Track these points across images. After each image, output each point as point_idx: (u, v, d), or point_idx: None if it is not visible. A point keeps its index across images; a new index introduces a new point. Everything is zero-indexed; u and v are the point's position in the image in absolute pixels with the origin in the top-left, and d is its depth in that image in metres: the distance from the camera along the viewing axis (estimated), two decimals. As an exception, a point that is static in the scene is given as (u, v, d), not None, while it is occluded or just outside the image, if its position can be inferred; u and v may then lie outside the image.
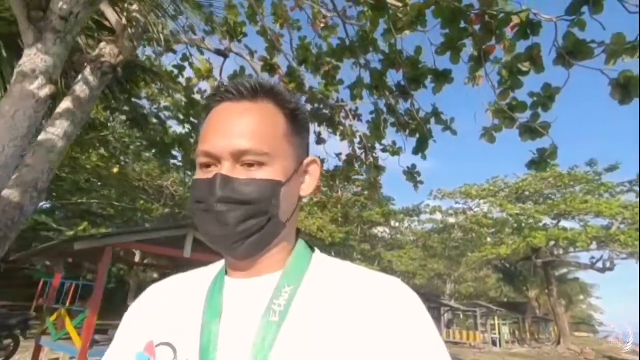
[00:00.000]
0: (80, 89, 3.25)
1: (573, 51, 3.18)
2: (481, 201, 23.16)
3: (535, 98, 3.55)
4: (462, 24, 3.70)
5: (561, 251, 21.69)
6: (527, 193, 21.46)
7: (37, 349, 6.04)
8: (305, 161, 0.62)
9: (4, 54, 3.35)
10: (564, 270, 30.17)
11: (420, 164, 5.36)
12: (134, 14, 3.68)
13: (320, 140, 6.62)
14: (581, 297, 46.25)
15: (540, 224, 19.66)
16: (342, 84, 5.41)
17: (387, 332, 0.50)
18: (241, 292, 0.57)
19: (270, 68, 5.02)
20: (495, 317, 20.84)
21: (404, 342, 0.50)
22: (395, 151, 5.54)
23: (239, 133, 0.54)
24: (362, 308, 0.52)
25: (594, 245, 18.65)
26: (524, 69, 3.55)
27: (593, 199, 18.20)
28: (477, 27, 3.65)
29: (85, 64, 3.37)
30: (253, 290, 0.56)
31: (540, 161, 3.64)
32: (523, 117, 3.70)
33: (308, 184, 0.62)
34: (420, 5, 3.88)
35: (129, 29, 3.67)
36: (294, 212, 0.60)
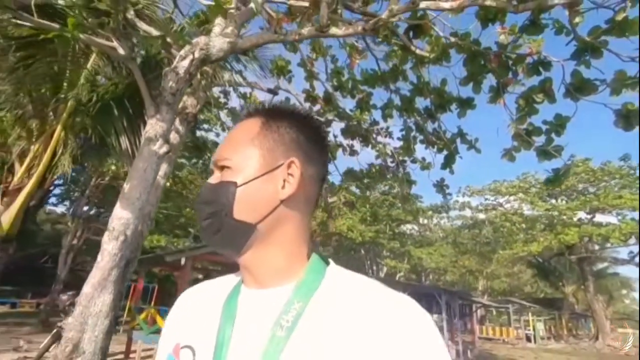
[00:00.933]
0: (173, 136, 4.13)
1: (580, 87, 3.70)
2: (511, 198, 23.02)
3: (548, 126, 4.08)
4: (482, 62, 4.29)
5: (597, 247, 21.24)
6: (558, 189, 21.15)
7: (129, 342, 7.07)
8: (285, 163, 0.61)
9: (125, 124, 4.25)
10: (603, 265, 29.30)
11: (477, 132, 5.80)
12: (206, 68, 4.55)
13: (352, 152, 7.32)
14: (624, 292, 44.37)
15: (574, 220, 19.37)
16: (375, 109, 6.07)
17: (395, 354, 0.50)
18: (254, 302, 0.59)
19: (313, 100, 5.77)
20: (529, 313, 20.75)
21: None
22: (425, 166, 6.15)
23: (224, 143, 0.66)
24: (371, 327, 0.52)
25: (633, 240, 18.22)
26: (538, 100, 4.09)
27: (628, 193, 17.76)
28: (495, 65, 4.22)
29: (175, 116, 4.24)
30: (265, 302, 0.58)
31: (555, 179, 4.17)
32: (539, 141, 4.24)
33: (289, 186, 0.60)
34: (445, 45, 4.49)
35: (202, 82, 4.55)
36: (269, 215, 0.59)
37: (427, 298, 12.36)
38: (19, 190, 3.73)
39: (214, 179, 0.62)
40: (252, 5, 3.49)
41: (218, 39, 3.40)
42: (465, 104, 4.86)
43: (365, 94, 5.84)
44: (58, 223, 24.94)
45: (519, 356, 13.78)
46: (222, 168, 0.61)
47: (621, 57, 3.27)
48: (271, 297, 0.58)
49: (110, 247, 2.94)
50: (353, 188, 7.68)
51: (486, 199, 25.32)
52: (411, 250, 31.17)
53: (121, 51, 2.98)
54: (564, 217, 18.80)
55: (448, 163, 5.55)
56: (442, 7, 3.12)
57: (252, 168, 0.60)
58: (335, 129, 11.68)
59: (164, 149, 3.36)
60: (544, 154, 4.11)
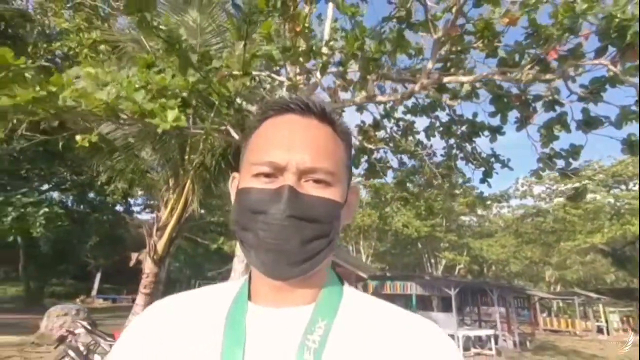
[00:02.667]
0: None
1: (588, 123, 4.44)
2: (575, 185, 21.97)
3: (565, 153, 4.86)
4: (505, 100, 5.15)
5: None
6: (625, 177, 19.83)
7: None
8: (351, 190, 0.60)
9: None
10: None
11: (509, 150, 6.67)
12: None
13: (402, 164, 8.36)
14: None
15: (646, 207, 18.19)
16: (417, 133, 7.08)
17: None
18: (269, 323, 0.53)
19: (364, 132, 6.93)
20: (601, 305, 19.93)
21: None
22: (466, 180, 7.04)
23: (309, 149, 0.53)
24: (398, 351, 0.50)
25: None
26: (556, 130, 4.86)
27: None
28: (517, 103, 5.06)
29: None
30: (283, 322, 0.52)
31: (576, 196, 4.94)
32: (560, 163, 5.01)
33: (349, 212, 0.60)
34: (473, 87, 5.41)
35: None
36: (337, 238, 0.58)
37: (479, 292, 12.82)
38: (165, 226, 5.51)
39: (310, 190, 0.52)
40: (314, 80, 4.80)
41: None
42: (495, 131, 5.70)
43: (408, 123, 6.88)
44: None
45: (582, 347, 13.71)
46: (317, 181, 0.52)
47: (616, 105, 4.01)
48: (290, 316, 0.53)
49: (239, 268, 4.43)
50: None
51: (547, 187, 24.42)
52: (470, 242, 30.92)
53: (236, 136, 4.39)
54: (629, 206, 17.72)
55: (485, 179, 6.41)
56: (460, 81, 4.11)
57: (345, 190, 0.57)
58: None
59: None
60: (565, 175, 4.88)
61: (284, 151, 0.52)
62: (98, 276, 32.37)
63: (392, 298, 14.59)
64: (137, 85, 3.18)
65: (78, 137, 3.31)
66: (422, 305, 12.47)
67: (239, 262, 4.65)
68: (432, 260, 32.68)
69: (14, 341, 9.40)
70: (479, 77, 3.92)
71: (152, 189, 6.16)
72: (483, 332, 10.33)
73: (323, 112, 0.57)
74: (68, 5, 9.82)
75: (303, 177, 0.52)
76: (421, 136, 7.50)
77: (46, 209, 9.08)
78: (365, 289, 14.53)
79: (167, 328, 0.55)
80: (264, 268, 0.52)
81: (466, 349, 9.28)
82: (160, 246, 5.81)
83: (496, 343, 9.70)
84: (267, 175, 0.52)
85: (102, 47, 7.62)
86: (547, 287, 30.65)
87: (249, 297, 0.57)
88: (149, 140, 5.48)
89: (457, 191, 7.02)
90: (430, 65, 4.07)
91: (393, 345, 0.51)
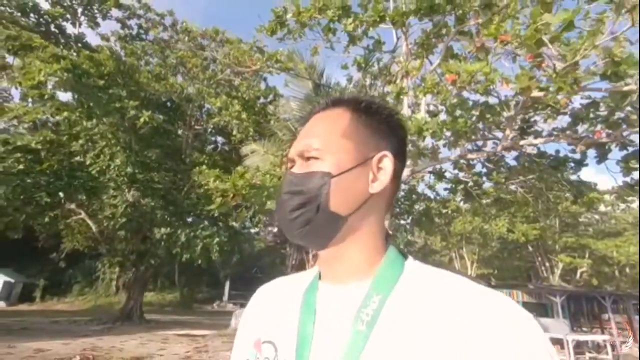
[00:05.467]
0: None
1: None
2: None
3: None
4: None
5: None
6: None
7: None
8: (376, 156, 0.60)
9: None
10: None
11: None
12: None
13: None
14: None
15: None
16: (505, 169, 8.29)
17: (490, 353, 0.45)
18: (333, 297, 0.59)
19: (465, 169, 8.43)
20: None
21: None
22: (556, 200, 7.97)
23: (303, 137, 0.63)
24: (461, 324, 0.48)
25: None
26: (633, 165, 5.79)
27: None
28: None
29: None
30: (344, 297, 0.57)
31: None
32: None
33: (380, 181, 0.60)
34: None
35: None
36: (360, 208, 0.58)
37: (593, 299, 12.43)
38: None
39: (300, 169, 0.60)
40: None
41: (405, 171, 6.62)
42: (579, 163, 6.69)
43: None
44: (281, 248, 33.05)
45: None
46: (308, 159, 0.59)
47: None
48: (351, 292, 0.57)
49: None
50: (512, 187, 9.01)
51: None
52: (591, 243, 28.20)
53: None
54: None
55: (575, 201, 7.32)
56: (533, 144, 5.46)
57: (345, 160, 0.58)
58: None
59: (390, 232, 6.82)
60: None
61: (292, 146, 0.63)
62: (227, 284, 38.04)
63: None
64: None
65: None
66: (529, 311, 12.70)
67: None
68: (547, 264, 30.64)
69: (207, 334, 12.72)
70: (548, 140, 5.25)
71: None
72: (596, 338, 10.47)
73: (331, 102, 0.65)
74: (218, 90, 13.35)
75: (303, 159, 0.60)
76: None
77: (217, 239, 12.57)
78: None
79: (264, 307, 0.68)
80: (286, 237, 0.61)
81: (580, 353, 9.72)
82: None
83: (613, 350, 9.84)
84: (290, 168, 0.63)
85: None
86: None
87: (320, 278, 0.63)
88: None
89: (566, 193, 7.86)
90: (508, 132, 5.51)
91: (455, 316, 0.49)
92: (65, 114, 10.46)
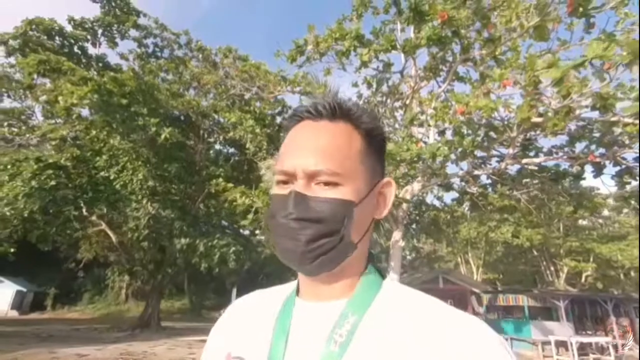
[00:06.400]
0: (398, 235, 8.04)
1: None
2: None
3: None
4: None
5: None
6: None
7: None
8: (381, 183, 0.61)
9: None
10: None
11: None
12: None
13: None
14: None
15: None
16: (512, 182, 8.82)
17: None
18: (308, 316, 0.58)
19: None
20: None
21: None
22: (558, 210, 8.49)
23: (313, 153, 0.55)
24: (432, 345, 0.49)
25: None
26: (626, 181, 6.31)
27: None
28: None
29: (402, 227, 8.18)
30: (319, 316, 0.57)
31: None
32: None
33: (382, 207, 0.61)
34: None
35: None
36: (366, 234, 0.59)
37: (595, 303, 12.89)
38: None
39: (317, 192, 0.55)
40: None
41: (416, 185, 7.18)
42: (577, 177, 7.23)
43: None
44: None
45: None
46: (327, 184, 0.55)
47: None
48: (326, 311, 0.56)
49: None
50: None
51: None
52: (595, 247, 28.52)
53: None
54: None
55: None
56: (534, 162, 6.01)
57: (362, 187, 0.57)
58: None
59: (402, 243, 7.33)
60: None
61: (293, 158, 0.56)
62: (234, 291, 38.44)
63: (506, 309, 15.48)
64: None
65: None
66: (535, 315, 13.28)
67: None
68: (552, 268, 30.95)
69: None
70: (549, 159, 5.81)
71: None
72: (599, 340, 10.88)
73: (333, 111, 0.59)
74: (229, 103, 13.93)
75: (313, 180, 0.55)
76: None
77: (233, 248, 13.12)
78: (479, 301, 15.82)
79: (237, 321, 0.66)
80: (289, 265, 0.57)
81: (584, 355, 10.15)
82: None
83: (616, 351, 10.27)
84: (284, 182, 0.57)
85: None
86: None
87: (297, 294, 0.62)
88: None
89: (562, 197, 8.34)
90: (510, 151, 6.06)
91: (428, 338, 0.50)
92: (94, 132, 11.10)
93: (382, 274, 0.62)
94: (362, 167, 0.58)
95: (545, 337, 11.00)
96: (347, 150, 0.57)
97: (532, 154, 6.74)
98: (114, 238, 14.03)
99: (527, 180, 7.84)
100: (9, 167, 9.91)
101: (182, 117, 15.78)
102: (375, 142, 0.62)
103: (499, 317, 15.80)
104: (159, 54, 15.69)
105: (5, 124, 13.27)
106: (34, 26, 11.84)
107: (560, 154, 6.21)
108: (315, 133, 0.58)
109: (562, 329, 11.03)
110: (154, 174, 11.83)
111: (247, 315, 0.66)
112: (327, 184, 0.55)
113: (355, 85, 9.53)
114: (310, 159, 0.55)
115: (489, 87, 4.45)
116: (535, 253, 30.11)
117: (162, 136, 11.12)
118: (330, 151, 0.56)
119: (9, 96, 12.34)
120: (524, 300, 13.18)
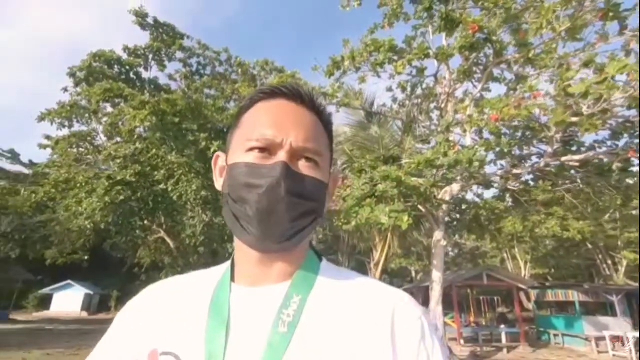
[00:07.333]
0: (439, 234, 8.32)
1: None
2: None
3: None
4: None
5: None
6: None
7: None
8: (332, 176, 0.64)
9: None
10: None
11: None
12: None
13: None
14: None
15: None
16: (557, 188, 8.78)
17: (393, 346, 0.50)
18: (249, 301, 0.56)
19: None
20: None
21: (407, 356, 0.51)
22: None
23: (303, 129, 0.56)
24: (370, 320, 0.52)
25: None
26: None
27: None
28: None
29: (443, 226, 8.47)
30: (262, 299, 0.55)
31: None
32: None
33: (329, 197, 0.63)
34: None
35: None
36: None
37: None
38: (377, 263, 9.06)
39: (304, 170, 0.56)
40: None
41: (455, 186, 7.44)
42: (623, 170, 7.13)
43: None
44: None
45: None
46: (307, 158, 0.56)
47: None
48: (268, 295, 0.55)
49: (437, 287, 7.30)
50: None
51: None
52: (659, 237, 26.43)
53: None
54: None
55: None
56: (573, 159, 6.09)
57: (328, 173, 0.61)
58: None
59: (443, 242, 7.63)
60: None
61: (278, 129, 0.54)
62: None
63: (558, 304, 15.01)
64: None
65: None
66: (588, 310, 12.84)
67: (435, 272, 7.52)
68: (609, 261, 29.14)
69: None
70: (589, 156, 5.88)
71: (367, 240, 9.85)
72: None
73: (311, 101, 0.60)
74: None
75: (295, 156, 0.55)
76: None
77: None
78: (527, 296, 15.49)
79: (157, 310, 0.59)
80: (253, 240, 0.54)
81: (642, 349, 9.84)
82: (377, 274, 9.30)
83: (678, 346, 9.83)
84: (260, 149, 0.54)
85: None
86: None
87: (232, 279, 0.59)
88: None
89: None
90: (549, 149, 6.17)
91: (367, 314, 0.53)
92: (153, 150, 12.31)
93: (320, 256, 0.64)
94: (328, 155, 0.63)
95: (599, 333, 10.70)
96: (322, 138, 0.61)
97: (574, 148, 6.77)
98: (171, 244, 15.30)
99: (570, 174, 7.80)
100: (84, 184, 11.34)
101: (225, 130, 16.87)
102: (331, 139, 0.66)
103: (551, 312, 15.35)
104: (202, 71, 16.84)
105: (74, 145, 14.94)
106: (96, 58, 13.28)
107: (604, 148, 6.23)
108: (300, 113, 0.59)
109: (617, 324, 10.69)
110: (206, 184, 12.82)
111: (170, 305, 0.60)
112: (309, 160, 0.56)
113: (389, 89, 9.87)
114: (300, 134, 0.55)
115: (519, 99, 4.66)
116: (589, 246, 28.41)
117: (212, 149, 12.08)
118: (314, 133, 0.58)
119: (77, 121, 13.91)
120: (573, 295, 12.80)
